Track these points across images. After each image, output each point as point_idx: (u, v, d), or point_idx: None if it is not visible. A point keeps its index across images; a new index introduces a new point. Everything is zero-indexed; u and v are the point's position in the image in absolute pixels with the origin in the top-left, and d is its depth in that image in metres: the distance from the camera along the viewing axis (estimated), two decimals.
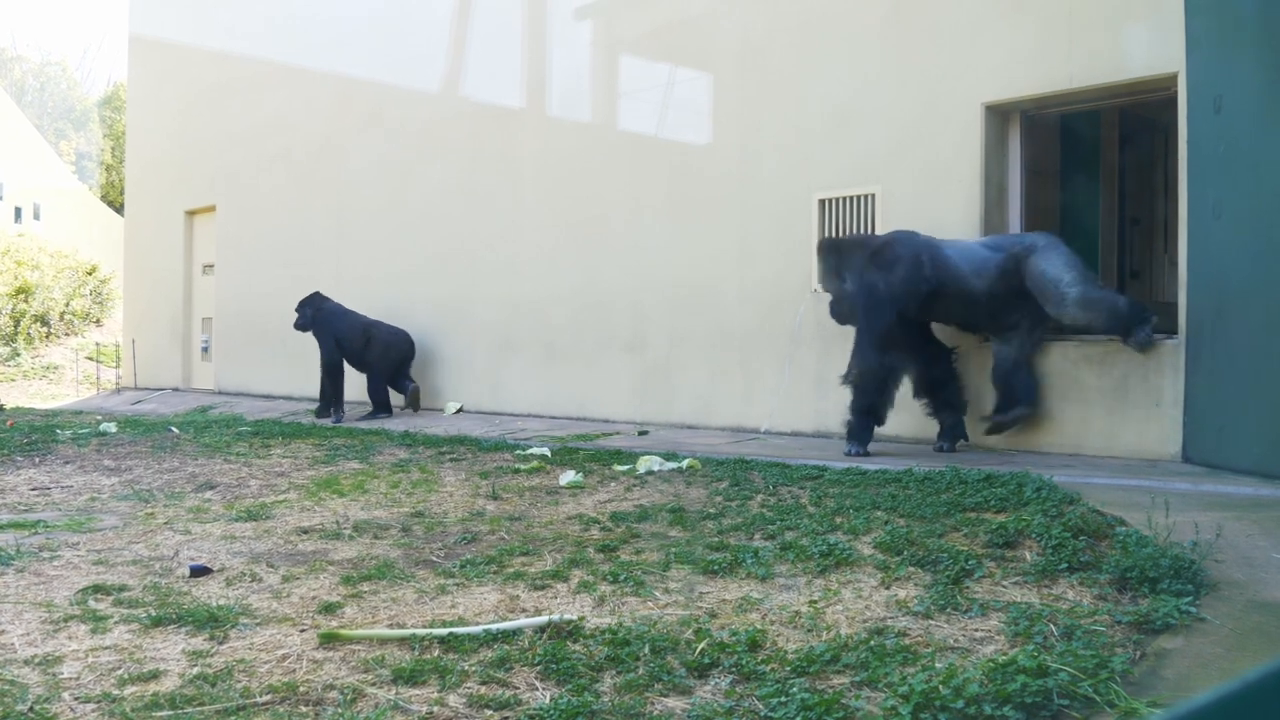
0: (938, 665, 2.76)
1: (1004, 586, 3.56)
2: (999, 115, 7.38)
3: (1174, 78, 6.41)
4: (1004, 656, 2.76)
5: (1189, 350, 6.22)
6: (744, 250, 8.62)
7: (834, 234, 7.89)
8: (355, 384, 11.42)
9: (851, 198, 7.98)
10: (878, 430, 7.05)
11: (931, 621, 3.20)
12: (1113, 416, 6.61)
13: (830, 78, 8.16)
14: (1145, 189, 9.95)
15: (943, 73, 7.51)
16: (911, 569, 3.76)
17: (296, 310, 11.44)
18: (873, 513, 4.64)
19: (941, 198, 7.46)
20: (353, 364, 11.34)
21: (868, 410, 6.91)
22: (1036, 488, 4.76)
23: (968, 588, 3.53)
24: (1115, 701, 2.47)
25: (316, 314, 11.25)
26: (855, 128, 7.98)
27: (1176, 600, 3.19)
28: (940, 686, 2.47)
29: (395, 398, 11.36)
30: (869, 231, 7.78)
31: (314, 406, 11.47)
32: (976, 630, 3.12)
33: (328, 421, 10.65)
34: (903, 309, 6.74)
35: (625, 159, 9.64)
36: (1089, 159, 8.94)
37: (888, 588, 3.57)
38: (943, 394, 7.03)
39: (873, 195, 7.85)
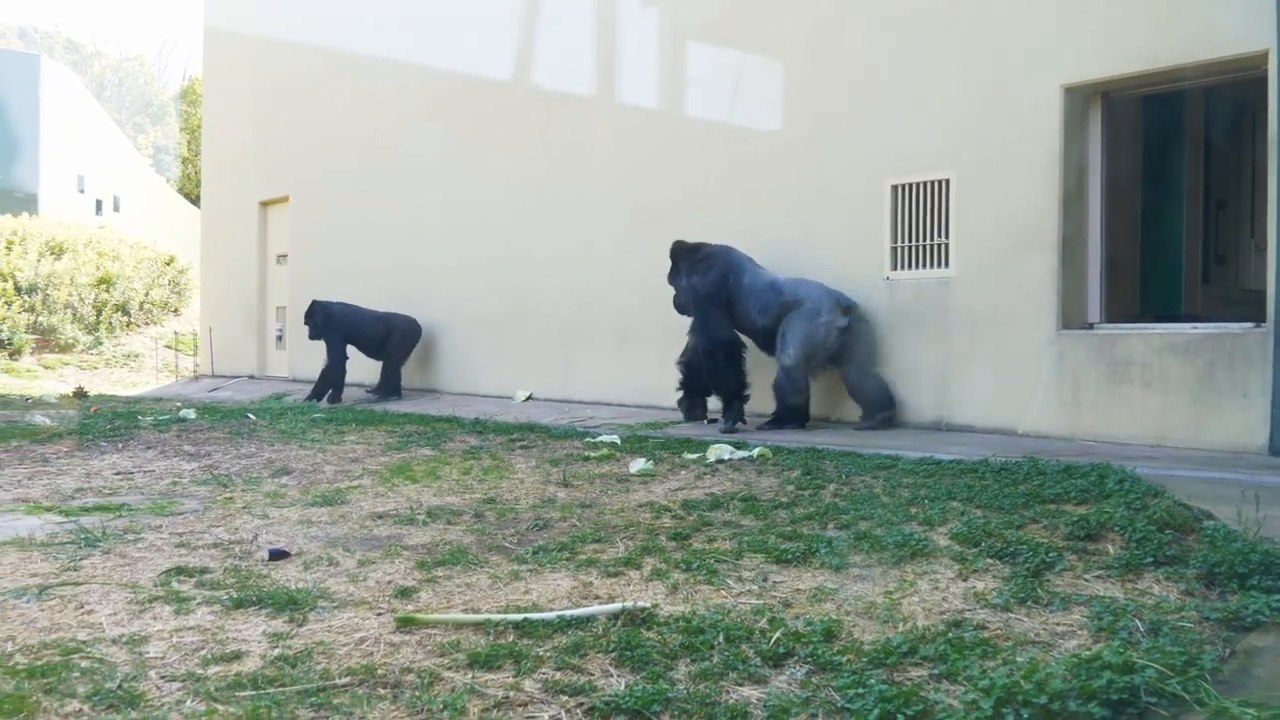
0: (1019, 659, 2.71)
1: (1086, 580, 3.48)
2: (1078, 97, 7.22)
3: (1264, 55, 6.22)
4: (1088, 652, 2.71)
5: (1277, 339, 6.05)
6: (813, 237, 8.55)
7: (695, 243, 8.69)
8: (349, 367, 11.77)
9: (925, 183, 7.87)
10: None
11: (1011, 615, 3.15)
12: (1197, 407, 6.46)
13: (902, 61, 8.05)
14: (1232, 172, 9.69)
15: (1019, 54, 7.37)
16: (989, 561, 3.70)
17: (305, 323, 12.07)
18: (948, 503, 4.58)
19: (1018, 183, 7.33)
20: (371, 354, 12.16)
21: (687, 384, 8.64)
22: (1119, 479, 4.65)
23: (1048, 581, 3.47)
24: (1205, 700, 2.40)
25: (326, 320, 11.92)
26: (928, 112, 7.87)
27: (1267, 597, 3.10)
28: (1022, 681, 2.43)
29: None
30: (943, 216, 7.70)
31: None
32: (1058, 624, 3.06)
33: (321, 403, 11.57)
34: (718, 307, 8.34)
35: (693, 146, 9.60)
36: (1173, 141, 8.72)
37: (965, 580, 3.52)
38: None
39: (947, 181, 7.73)
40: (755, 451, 6.35)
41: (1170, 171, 8.65)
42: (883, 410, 7.86)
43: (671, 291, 8.87)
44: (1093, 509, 4.22)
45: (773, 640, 2.87)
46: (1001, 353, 7.39)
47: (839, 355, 7.98)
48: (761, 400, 8.35)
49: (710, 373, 8.31)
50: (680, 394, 8.80)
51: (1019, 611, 3.17)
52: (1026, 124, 7.30)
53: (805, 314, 7.87)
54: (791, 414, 8.02)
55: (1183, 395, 6.52)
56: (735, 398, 8.15)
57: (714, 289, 8.27)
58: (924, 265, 7.88)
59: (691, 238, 9.12)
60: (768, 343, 8.21)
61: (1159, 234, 8.62)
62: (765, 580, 3.57)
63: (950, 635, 2.91)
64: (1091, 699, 2.37)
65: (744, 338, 8.39)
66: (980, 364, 7.50)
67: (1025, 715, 2.32)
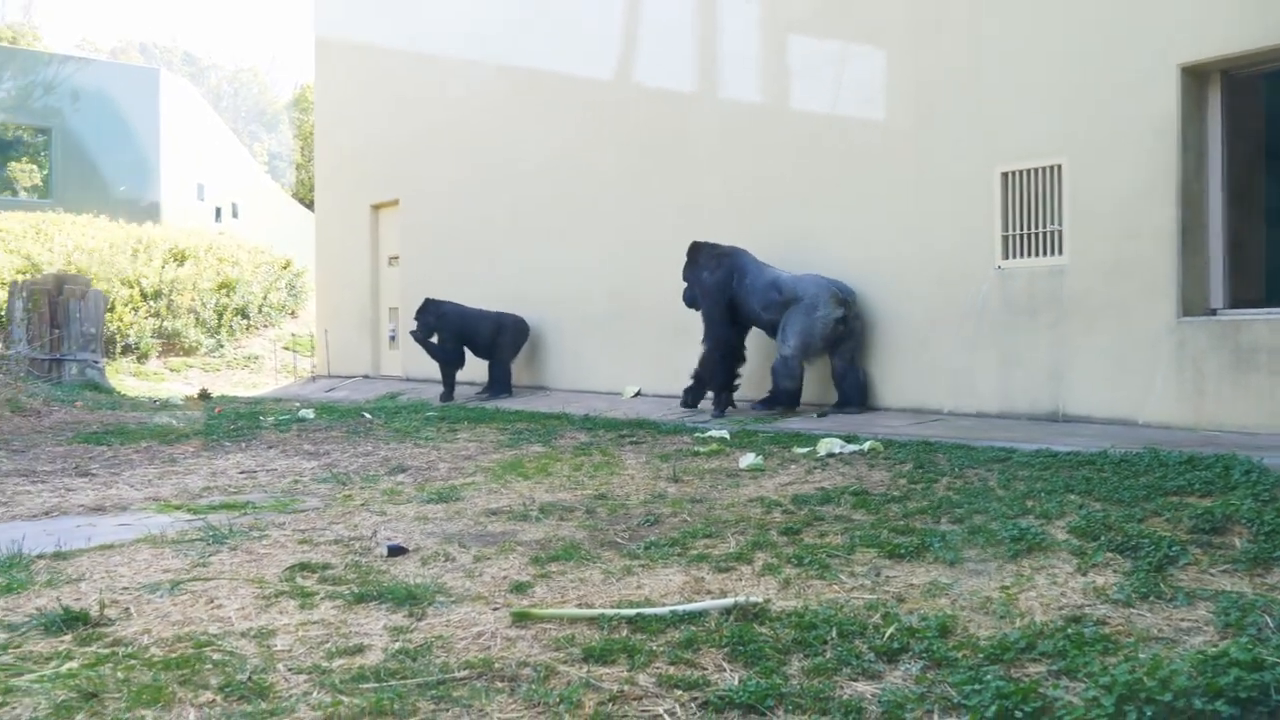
0: (1141, 656, 2.65)
1: (1211, 575, 3.39)
2: (1196, 77, 6.99)
3: None
4: (1214, 648, 2.63)
5: None
6: (921, 227, 8.43)
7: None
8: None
9: (1036, 170, 7.70)
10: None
11: (1133, 610, 3.08)
12: None
13: (1010, 44, 7.88)
14: None
15: (1133, 34, 7.16)
16: (1109, 555, 3.62)
17: (416, 319, 12.25)
18: (1066, 496, 4.49)
19: (1134, 167, 7.13)
20: (481, 353, 12.31)
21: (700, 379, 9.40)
22: (1245, 470, 4.51)
23: (1171, 575, 3.38)
24: None
25: (439, 318, 12.16)
26: (1037, 96, 7.69)
27: None
28: (1145, 678, 2.37)
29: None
30: (1056, 203, 7.53)
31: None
32: (1182, 620, 2.98)
33: (452, 402, 11.73)
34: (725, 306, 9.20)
35: (797, 139, 9.54)
36: None
37: (1084, 574, 3.45)
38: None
39: (1059, 166, 7.56)
40: (866, 445, 6.30)
41: None
42: (850, 405, 8.69)
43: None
44: (1218, 501, 4.10)
45: (887, 636, 2.86)
46: (1119, 341, 7.21)
47: (835, 344, 8.70)
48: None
49: (707, 365, 9.27)
50: (690, 384, 9.55)
51: (1141, 607, 3.10)
52: (1141, 106, 7.10)
53: (803, 309, 8.59)
54: (783, 396, 8.83)
55: None
56: (724, 389, 9.22)
57: (718, 287, 9.15)
58: (1037, 253, 7.71)
59: (798, 232, 9.11)
60: (773, 334, 8.98)
61: None
62: (878, 575, 3.55)
63: (1069, 631, 2.86)
64: (1218, 697, 2.31)
65: (756, 329, 9.30)
66: (1096, 353, 7.32)
67: (1149, 713, 2.26)
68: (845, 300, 8.60)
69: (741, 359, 9.37)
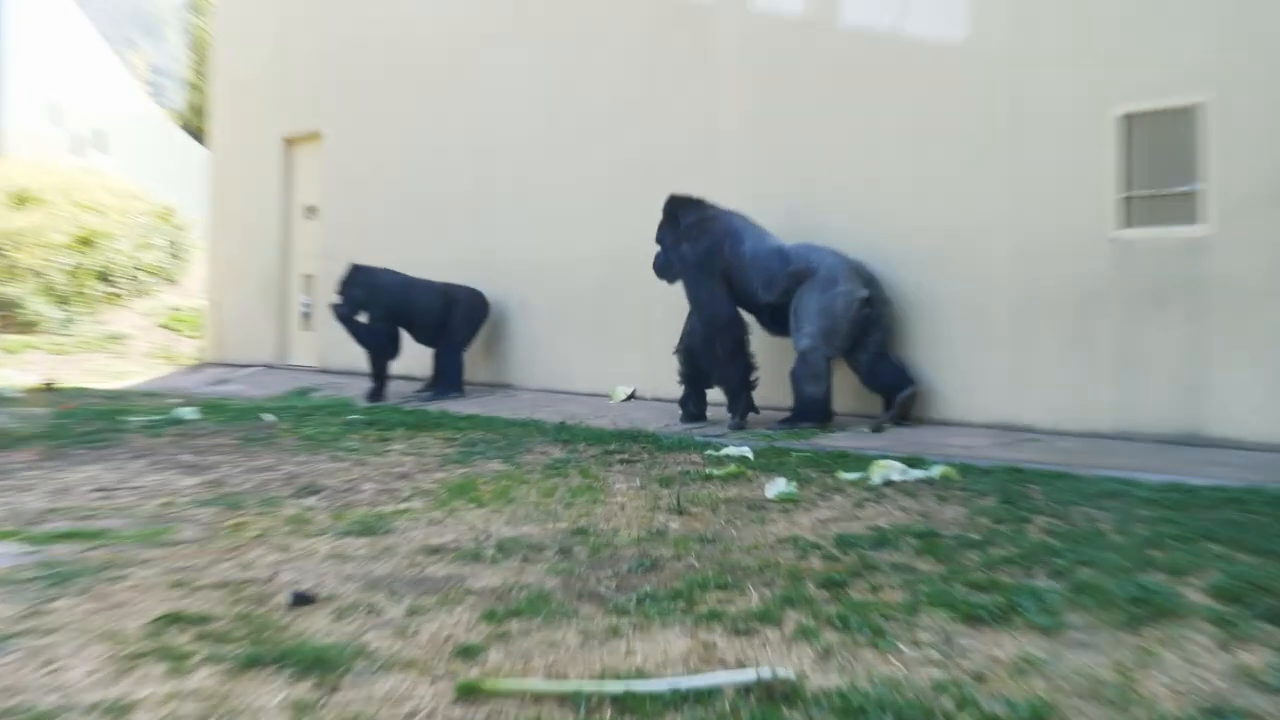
0: None
1: None
2: None
3: None
4: None
5: None
6: (1013, 186, 8.40)
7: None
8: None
9: (1166, 111, 7.67)
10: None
11: None
12: None
13: None
14: None
15: None
16: (1261, 625, 3.60)
17: (339, 291, 12.16)
18: (1204, 545, 4.48)
19: None
20: (424, 337, 12.36)
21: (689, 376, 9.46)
22: None
23: None
24: None
25: (370, 291, 12.11)
26: (1170, 14, 7.65)
27: None
28: None
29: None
30: (1192, 156, 7.50)
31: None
32: None
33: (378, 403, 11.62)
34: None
35: (849, 64, 9.50)
36: None
37: (1228, 650, 3.43)
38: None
39: (1198, 106, 7.52)
40: (935, 471, 6.28)
41: None
42: (901, 389, 8.65)
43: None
44: None
45: None
46: (1277, 341, 7.18)
47: (861, 334, 8.72)
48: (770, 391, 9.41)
49: (710, 359, 9.12)
50: (684, 390, 9.61)
51: None
52: None
53: (819, 284, 8.60)
54: (809, 406, 8.71)
55: None
56: (742, 387, 9.04)
57: (706, 259, 9.04)
58: (1165, 221, 7.68)
59: (843, 188, 9.11)
60: (775, 321, 9.03)
61: None
62: (950, 644, 3.52)
63: None
64: None
65: (746, 315, 9.22)
66: (1246, 355, 7.30)
67: None
68: (869, 279, 8.76)
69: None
